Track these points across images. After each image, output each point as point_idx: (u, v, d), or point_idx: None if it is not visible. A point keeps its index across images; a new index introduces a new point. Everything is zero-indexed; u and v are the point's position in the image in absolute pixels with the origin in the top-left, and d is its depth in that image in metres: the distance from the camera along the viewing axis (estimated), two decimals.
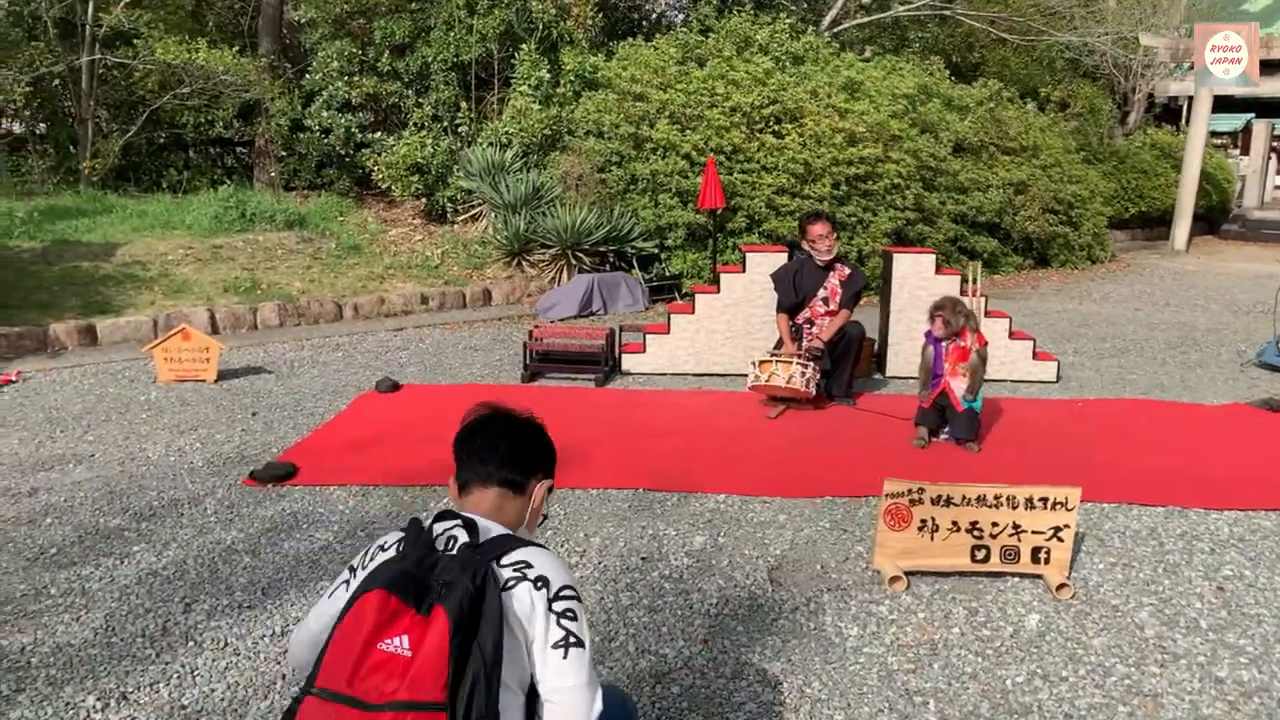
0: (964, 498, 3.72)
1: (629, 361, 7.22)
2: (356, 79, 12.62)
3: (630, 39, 12.59)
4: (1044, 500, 3.71)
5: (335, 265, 10.16)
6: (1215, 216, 19.54)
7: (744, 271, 7.06)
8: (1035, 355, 7.03)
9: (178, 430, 5.72)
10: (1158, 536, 4.21)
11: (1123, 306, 10.69)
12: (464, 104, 12.30)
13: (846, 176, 10.82)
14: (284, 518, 4.39)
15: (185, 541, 4.12)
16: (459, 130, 12.27)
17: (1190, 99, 22.76)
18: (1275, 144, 23.82)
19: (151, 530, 4.23)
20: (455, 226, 11.78)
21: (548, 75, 11.83)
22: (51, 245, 9.24)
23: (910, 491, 3.72)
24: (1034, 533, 3.72)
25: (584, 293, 9.92)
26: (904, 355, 7.09)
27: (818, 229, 6.35)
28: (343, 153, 12.84)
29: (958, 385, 5.40)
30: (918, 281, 7.01)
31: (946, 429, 5.55)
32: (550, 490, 2.07)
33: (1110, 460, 5.22)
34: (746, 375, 6.94)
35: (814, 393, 6.09)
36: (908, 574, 3.73)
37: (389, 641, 1.65)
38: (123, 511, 4.46)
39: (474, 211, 11.65)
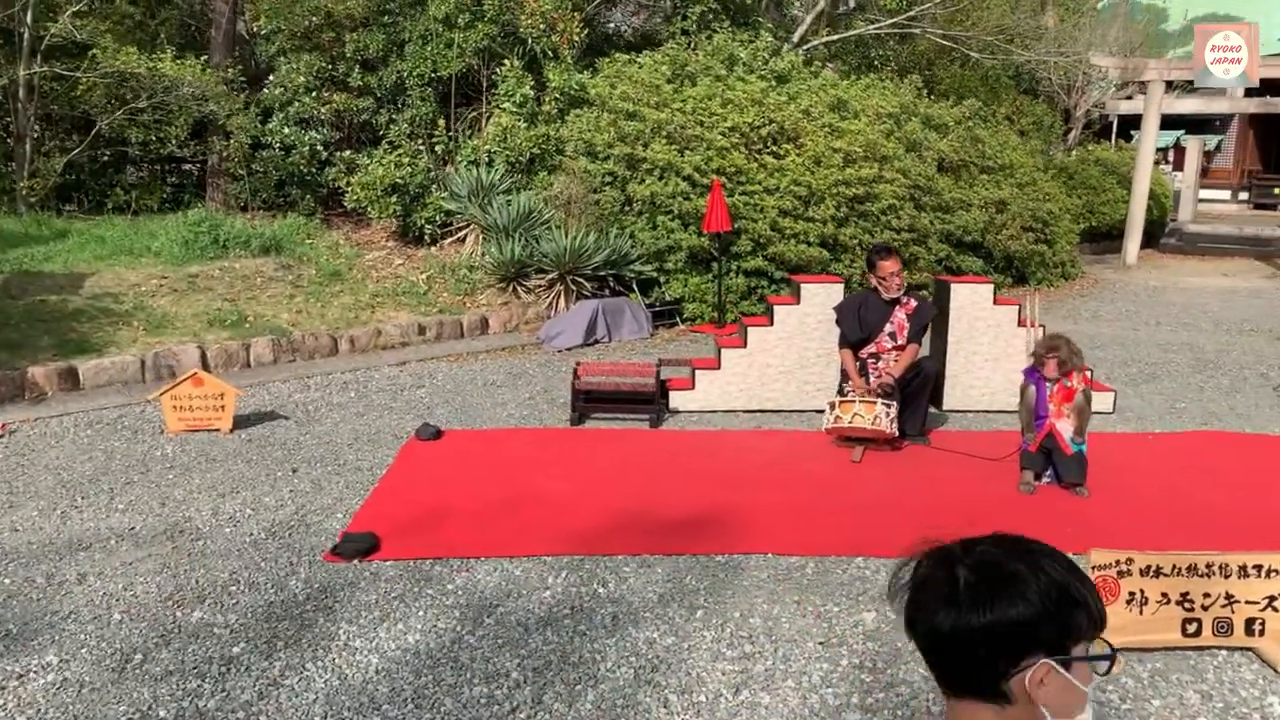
0: (1174, 567, 3.46)
1: (678, 399, 6.84)
2: (324, 94, 11.96)
3: (613, 55, 12.20)
4: (1258, 567, 3.47)
5: (319, 293, 9.51)
6: (1155, 230, 20.06)
7: (798, 303, 6.74)
8: (1091, 386, 6.88)
9: (217, 493, 5.12)
10: None
11: (1118, 326, 10.74)
12: (440, 121, 11.75)
13: (845, 198, 10.64)
14: (390, 603, 3.88)
15: (290, 638, 3.59)
16: (435, 149, 11.71)
17: (1120, 117, 23.57)
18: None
19: (245, 625, 3.68)
20: (437, 249, 11.21)
21: (532, 92, 11.37)
22: (12, 276, 8.40)
23: (1119, 563, 3.45)
24: (1248, 603, 3.48)
25: (588, 320, 9.48)
26: (961, 388, 6.88)
27: (889, 265, 6.08)
28: (305, 172, 12.14)
29: (1064, 427, 5.18)
30: (976, 312, 6.80)
31: (1048, 472, 5.33)
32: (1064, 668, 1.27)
33: (1232, 504, 5.02)
34: (807, 412, 6.69)
35: (896, 433, 5.82)
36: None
37: None
38: (199, 601, 3.90)
39: (460, 234, 11.10)
